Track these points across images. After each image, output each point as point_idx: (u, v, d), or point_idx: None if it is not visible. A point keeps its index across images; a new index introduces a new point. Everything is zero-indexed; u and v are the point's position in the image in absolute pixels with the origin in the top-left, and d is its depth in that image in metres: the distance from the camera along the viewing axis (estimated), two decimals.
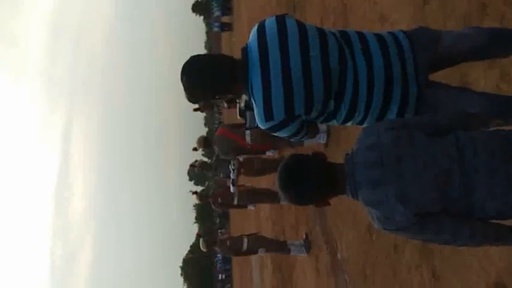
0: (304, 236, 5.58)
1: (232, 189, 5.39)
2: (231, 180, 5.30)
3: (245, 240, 5.23)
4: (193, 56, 1.70)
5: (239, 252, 5.46)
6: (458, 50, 1.73)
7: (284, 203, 6.09)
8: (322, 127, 4.59)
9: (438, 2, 2.88)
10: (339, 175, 1.39)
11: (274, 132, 1.70)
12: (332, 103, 1.65)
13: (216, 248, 5.43)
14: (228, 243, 5.29)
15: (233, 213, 20.67)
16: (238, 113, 4.32)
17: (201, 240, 5.41)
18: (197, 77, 1.64)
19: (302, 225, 5.90)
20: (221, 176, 5.72)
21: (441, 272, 2.61)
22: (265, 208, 8.63)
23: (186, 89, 1.66)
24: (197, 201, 6.10)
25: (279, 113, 1.61)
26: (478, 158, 1.29)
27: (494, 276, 2.18)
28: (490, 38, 1.72)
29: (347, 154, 1.42)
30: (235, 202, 5.71)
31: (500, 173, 1.27)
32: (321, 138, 4.75)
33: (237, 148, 4.80)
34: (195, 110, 5.34)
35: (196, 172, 5.90)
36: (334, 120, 1.73)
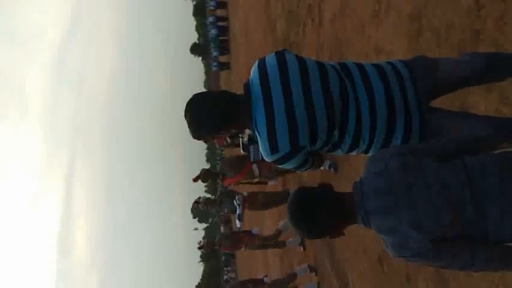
0: (307, 268, 5.57)
1: (238, 224, 5.41)
2: (236, 215, 5.32)
3: None
4: (196, 94, 1.73)
5: None
6: (457, 76, 1.76)
7: (290, 246, 6.11)
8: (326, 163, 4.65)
9: (432, 31, 2.97)
10: (349, 204, 1.39)
11: (280, 165, 1.70)
12: (336, 133, 1.67)
13: None
14: None
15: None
16: (241, 147, 4.36)
17: None
18: (201, 114, 1.67)
19: (310, 259, 5.79)
20: (225, 211, 5.75)
21: None
22: None
23: (190, 125, 1.69)
24: (203, 244, 6.09)
25: (284, 145, 1.62)
26: (488, 181, 1.29)
27: None
28: (488, 63, 1.76)
29: (355, 182, 1.42)
30: (243, 249, 5.83)
31: (510, 193, 1.27)
32: (326, 165, 4.77)
33: (241, 159, 4.87)
34: (195, 180, 5.32)
35: (200, 209, 5.92)
36: (339, 150, 1.74)
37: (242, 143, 4.25)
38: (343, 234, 1.43)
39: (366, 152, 1.74)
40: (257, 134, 1.68)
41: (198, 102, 1.69)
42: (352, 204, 1.38)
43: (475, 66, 1.75)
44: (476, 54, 1.86)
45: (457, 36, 2.69)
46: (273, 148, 1.64)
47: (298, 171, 1.80)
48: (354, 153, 1.76)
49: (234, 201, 5.27)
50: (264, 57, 1.75)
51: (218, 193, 5.77)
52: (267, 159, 1.70)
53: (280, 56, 1.72)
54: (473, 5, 2.54)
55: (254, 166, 4.82)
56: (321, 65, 1.72)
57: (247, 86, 1.70)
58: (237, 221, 5.41)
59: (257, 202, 5.40)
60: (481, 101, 2.42)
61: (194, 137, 1.73)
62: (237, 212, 5.27)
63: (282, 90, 1.63)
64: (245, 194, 5.43)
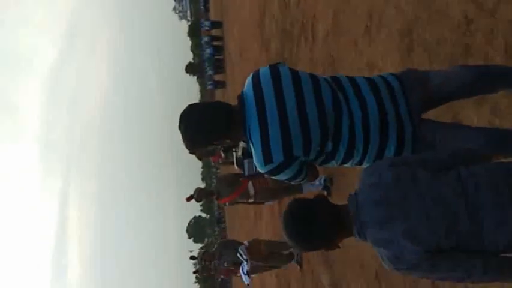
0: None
1: (246, 280, 4.98)
2: (244, 271, 4.86)
3: None
4: (190, 104, 1.73)
5: None
6: (448, 88, 1.78)
7: (285, 267, 5.98)
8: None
9: (423, 46, 3.01)
10: (344, 216, 1.38)
11: (274, 176, 1.69)
12: (330, 144, 1.67)
13: None
14: None
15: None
16: (235, 162, 4.31)
17: None
18: (195, 124, 1.66)
19: (308, 277, 5.71)
20: (226, 264, 5.34)
21: None
22: None
23: (184, 136, 1.68)
24: (198, 268, 5.90)
25: (277, 156, 1.62)
26: (482, 192, 1.28)
27: None
28: (478, 75, 1.77)
29: (350, 195, 1.41)
30: (239, 275, 5.63)
31: (505, 203, 1.26)
32: (321, 180, 4.71)
33: (237, 177, 4.72)
34: (188, 199, 4.87)
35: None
36: (333, 161, 1.73)
37: (236, 158, 4.19)
38: (338, 246, 1.41)
39: (360, 163, 1.73)
40: (251, 145, 1.68)
41: (192, 112, 1.69)
42: (347, 215, 1.37)
43: (465, 78, 1.76)
44: (466, 67, 1.88)
45: (448, 51, 2.72)
46: (267, 158, 1.63)
47: (292, 183, 1.78)
48: (348, 164, 1.76)
49: (239, 255, 4.87)
50: (258, 70, 1.76)
51: (217, 245, 5.37)
52: (261, 170, 1.69)
53: (273, 68, 1.74)
54: (462, 19, 2.58)
55: (250, 185, 4.76)
56: (313, 77, 1.73)
57: (241, 97, 1.71)
58: (244, 277, 4.92)
59: (260, 252, 5.01)
60: (473, 113, 2.43)
61: (188, 148, 1.72)
62: (245, 269, 4.82)
63: (276, 100, 1.64)
64: (246, 243, 5.08)
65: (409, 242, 1.27)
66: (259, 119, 1.63)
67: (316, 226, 1.36)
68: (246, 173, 4.26)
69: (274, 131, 1.61)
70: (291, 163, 1.64)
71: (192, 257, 6.15)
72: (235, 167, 4.42)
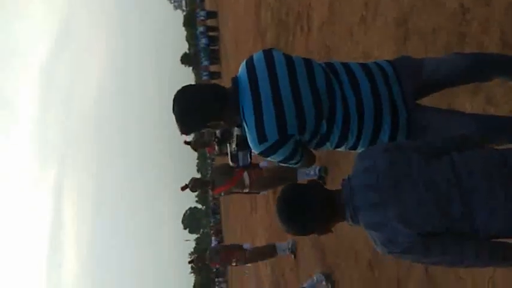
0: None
1: None
2: None
3: None
4: (184, 86, 1.72)
5: None
6: (442, 75, 1.77)
7: (281, 254, 6.04)
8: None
9: (418, 35, 2.99)
10: (338, 201, 1.38)
11: (269, 156, 1.68)
12: (324, 125, 1.66)
13: None
14: None
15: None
16: (229, 157, 4.27)
17: None
18: (189, 105, 1.65)
19: (302, 267, 5.75)
20: None
21: None
22: None
23: (177, 117, 1.66)
24: (193, 258, 5.96)
25: (272, 134, 1.61)
26: (475, 179, 1.29)
27: None
28: (473, 62, 1.77)
29: (343, 180, 1.41)
30: (234, 264, 5.72)
31: (498, 191, 1.27)
32: (316, 169, 4.72)
33: (232, 167, 4.70)
34: (183, 189, 4.87)
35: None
36: (328, 143, 1.73)
37: (230, 152, 4.12)
38: (331, 231, 1.42)
39: (354, 147, 1.73)
40: (245, 126, 1.67)
41: (186, 94, 1.68)
42: (340, 200, 1.37)
43: (460, 65, 1.76)
44: (461, 54, 1.88)
45: (444, 40, 2.71)
46: (261, 136, 1.62)
47: (288, 165, 1.77)
48: (342, 148, 1.75)
49: None
50: (252, 55, 1.76)
51: None
52: (255, 151, 1.68)
53: (267, 52, 1.74)
54: (458, 8, 2.57)
55: (245, 175, 4.74)
56: (307, 61, 1.73)
57: (235, 79, 1.71)
58: None
59: None
60: (468, 102, 2.44)
61: (182, 131, 1.71)
62: None
63: (270, 83, 1.64)
64: None
65: (402, 226, 1.27)
66: (253, 99, 1.62)
67: (309, 210, 1.37)
68: (241, 164, 4.22)
69: (268, 110, 1.60)
70: (286, 142, 1.62)
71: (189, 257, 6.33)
72: (230, 162, 4.37)
